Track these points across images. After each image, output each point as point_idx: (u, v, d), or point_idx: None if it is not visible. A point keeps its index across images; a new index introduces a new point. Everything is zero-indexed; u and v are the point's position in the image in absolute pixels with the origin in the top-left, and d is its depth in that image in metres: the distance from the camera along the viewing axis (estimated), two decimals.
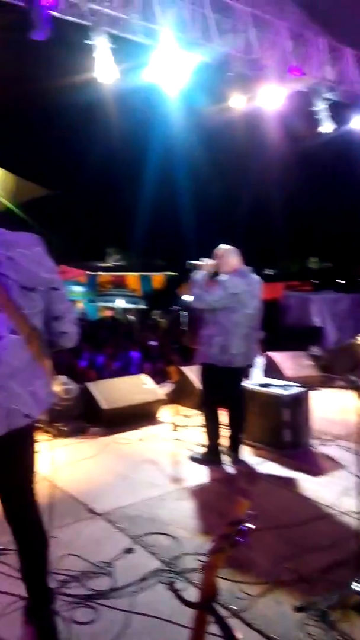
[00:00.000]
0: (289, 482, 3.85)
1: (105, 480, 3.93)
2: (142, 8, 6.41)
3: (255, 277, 4.22)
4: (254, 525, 2.97)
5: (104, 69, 6.15)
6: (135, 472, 4.07)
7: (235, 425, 4.22)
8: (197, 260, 4.49)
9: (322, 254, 27.46)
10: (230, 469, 4.11)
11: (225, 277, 4.04)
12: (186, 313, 4.44)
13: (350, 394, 6.46)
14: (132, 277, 25.59)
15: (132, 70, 6.44)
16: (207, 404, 4.22)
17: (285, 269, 24.96)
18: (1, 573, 2.69)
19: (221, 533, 1.49)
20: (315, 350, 7.52)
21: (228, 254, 4.18)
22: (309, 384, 6.47)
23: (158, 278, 25.90)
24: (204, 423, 4.22)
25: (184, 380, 5.85)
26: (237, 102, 7.40)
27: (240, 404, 4.25)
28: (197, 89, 6.85)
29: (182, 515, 3.35)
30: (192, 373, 5.77)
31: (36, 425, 2.10)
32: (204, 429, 4.23)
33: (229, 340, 3.99)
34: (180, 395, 5.81)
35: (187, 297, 4.26)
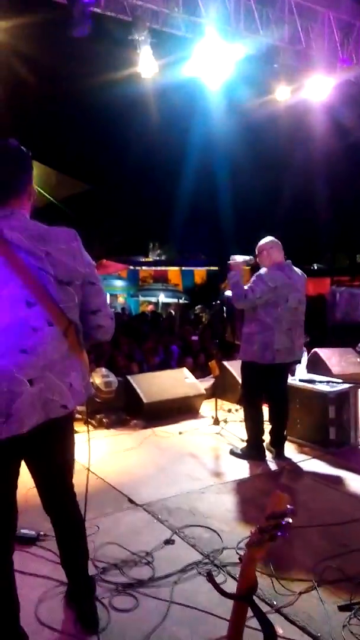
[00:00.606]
0: (334, 481, 3.75)
1: (146, 472, 3.94)
2: (184, 1, 6.39)
3: (298, 270, 4.14)
4: (298, 520, 2.92)
5: (145, 63, 6.16)
6: (175, 465, 4.07)
7: (279, 421, 4.15)
8: (240, 254, 4.46)
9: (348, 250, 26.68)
10: (272, 465, 4.05)
11: (263, 271, 3.98)
12: (227, 308, 4.40)
13: None
14: (174, 272, 25.59)
15: (174, 64, 6.43)
16: (249, 400, 4.17)
17: (333, 264, 24.41)
18: (43, 558, 2.74)
19: (261, 526, 1.45)
20: None
21: (269, 247, 4.11)
22: (357, 380, 6.32)
23: (200, 273, 25.81)
24: (246, 418, 4.17)
25: (225, 375, 5.81)
26: (282, 94, 7.27)
27: (283, 400, 4.17)
28: (240, 82, 6.77)
29: (222, 509, 3.32)
30: (233, 367, 5.73)
31: (74, 416, 2.11)
32: (245, 424, 4.18)
33: (271, 336, 3.92)
34: (222, 389, 5.77)
35: (228, 292, 4.22)
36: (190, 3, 6.40)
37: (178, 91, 6.51)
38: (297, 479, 3.80)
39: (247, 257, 4.37)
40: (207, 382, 6.08)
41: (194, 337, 10.98)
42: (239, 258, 4.28)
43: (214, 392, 5.83)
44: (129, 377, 5.34)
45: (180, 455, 4.27)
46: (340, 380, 4.60)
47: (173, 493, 3.54)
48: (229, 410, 5.50)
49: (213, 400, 5.63)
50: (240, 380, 5.72)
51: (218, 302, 4.29)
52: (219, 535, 2.98)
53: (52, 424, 1.90)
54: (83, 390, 2.00)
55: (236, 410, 5.57)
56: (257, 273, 4.01)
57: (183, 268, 25.57)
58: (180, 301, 21.27)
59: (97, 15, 5.97)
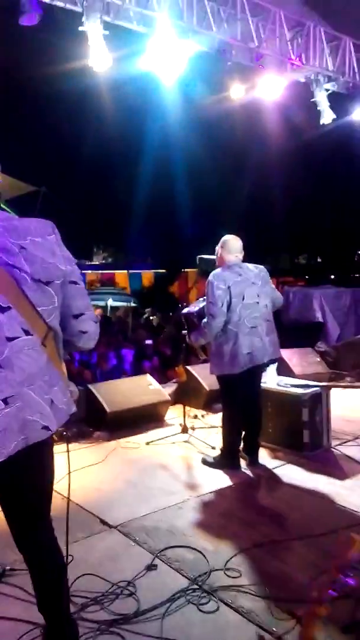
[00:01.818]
0: (313, 487, 3.61)
1: (115, 488, 3.68)
2: None
3: (251, 265, 3.94)
4: (285, 533, 2.73)
5: (97, 56, 5.88)
6: (147, 479, 3.82)
7: (253, 427, 3.99)
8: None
9: (312, 249, 27.36)
10: (247, 473, 3.87)
11: (210, 277, 3.80)
12: (189, 327, 4.25)
13: None
14: (121, 275, 25.27)
15: (126, 58, 6.19)
16: (230, 411, 3.95)
17: (276, 265, 24.80)
18: (11, 596, 2.43)
19: (328, 578, 1.24)
20: (322, 346, 7.32)
21: (220, 248, 3.95)
22: (319, 380, 6.29)
23: (147, 275, 25.64)
24: (224, 427, 3.97)
25: (189, 379, 5.60)
26: (236, 92, 7.18)
27: (257, 405, 4.02)
28: (195, 78, 6.61)
29: (203, 525, 3.11)
30: (197, 371, 5.55)
31: (54, 438, 1.84)
32: (222, 431, 3.98)
33: (237, 342, 3.72)
34: (185, 394, 5.57)
35: (188, 309, 4.09)
36: None
37: (131, 85, 6.28)
38: (275, 488, 3.65)
39: (214, 256, 4.20)
40: (169, 388, 5.87)
41: (148, 341, 10.75)
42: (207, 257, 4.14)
43: (178, 398, 5.63)
44: (90, 386, 5.04)
45: (151, 468, 4.03)
46: (312, 382, 4.50)
47: (148, 510, 3.30)
48: (195, 417, 5.30)
49: (177, 407, 5.44)
50: (206, 385, 5.58)
51: (180, 314, 4.16)
52: (203, 555, 2.76)
53: (31, 450, 1.63)
54: (65, 406, 1.74)
55: (202, 415, 5.39)
56: (207, 282, 3.83)
57: (130, 271, 25.30)
58: (130, 304, 20.97)
59: (46, 6, 5.66)
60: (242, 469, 3.93)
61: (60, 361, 1.79)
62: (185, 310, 4.16)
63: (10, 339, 1.56)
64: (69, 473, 1.98)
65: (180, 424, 4.80)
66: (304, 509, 3.29)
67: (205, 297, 4.30)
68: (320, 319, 9.33)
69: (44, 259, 1.65)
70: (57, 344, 1.76)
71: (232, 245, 3.90)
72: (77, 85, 6.17)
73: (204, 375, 5.54)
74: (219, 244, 3.96)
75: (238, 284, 3.76)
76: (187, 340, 4.20)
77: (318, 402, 4.20)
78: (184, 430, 4.72)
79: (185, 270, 21.26)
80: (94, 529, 3.08)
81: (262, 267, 4.00)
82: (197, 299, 4.47)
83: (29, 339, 1.61)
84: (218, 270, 3.84)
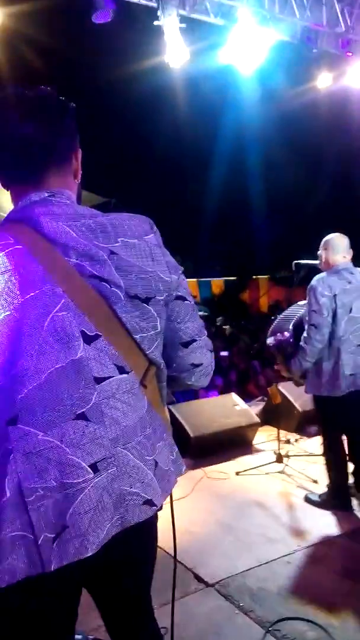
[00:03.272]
0: None
1: (208, 531, 3.19)
2: None
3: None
4: None
5: (174, 51, 5.52)
6: (243, 520, 3.31)
7: None
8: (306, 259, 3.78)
9: None
10: None
11: (313, 281, 3.24)
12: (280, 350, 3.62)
13: None
14: (190, 284, 24.98)
15: (203, 52, 5.79)
16: (329, 438, 3.40)
17: None
18: None
19: None
20: None
21: (327, 248, 3.38)
22: None
23: (217, 283, 25.14)
24: (326, 459, 3.41)
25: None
26: (323, 81, 6.59)
27: None
28: (277, 69, 6.10)
29: (321, 588, 2.56)
30: (287, 389, 4.98)
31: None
32: (326, 466, 3.41)
33: (339, 360, 3.17)
34: (275, 415, 5.01)
35: (277, 338, 3.48)
36: None
37: (208, 82, 5.87)
38: None
39: (315, 262, 3.67)
40: (255, 408, 5.34)
41: (223, 353, 10.25)
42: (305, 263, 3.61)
43: (266, 419, 5.09)
44: (171, 408, 4.60)
45: (246, 506, 3.51)
46: None
47: (250, 564, 2.78)
48: (287, 441, 4.73)
49: (264, 429, 4.91)
50: (299, 406, 5.00)
51: (271, 347, 3.50)
52: (328, 634, 2.21)
53: (129, 533, 1.17)
54: (172, 468, 1.27)
55: (296, 440, 4.81)
56: (308, 286, 3.27)
57: (199, 279, 24.93)
58: (200, 314, 20.58)
59: (120, 1, 5.38)
60: (355, 511, 3.34)
61: (163, 406, 1.33)
62: (272, 340, 3.52)
63: (99, 380, 1.12)
64: (173, 526, 1.56)
65: (275, 452, 4.24)
66: None
67: (293, 307, 3.77)
68: None
69: (141, 267, 1.20)
70: (160, 383, 1.30)
71: (338, 243, 3.35)
72: (151, 85, 5.84)
73: (297, 394, 4.98)
74: (322, 245, 3.42)
75: (346, 293, 3.20)
76: (283, 374, 3.57)
77: None
78: (279, 459, 4.17)
79: (256, 277, 20.59)
80: (189, 587, 2.60)
81: None
82: (278, 316, 3.86)
83: (125, 378, 1.16)
84: (323, 274, 3.29)
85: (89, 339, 1.13)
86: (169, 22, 5.53)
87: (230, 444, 4.53)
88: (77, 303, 1.12)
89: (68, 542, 1.07)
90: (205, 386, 1.47)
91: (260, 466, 4.14)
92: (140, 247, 1.22)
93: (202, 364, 1.36)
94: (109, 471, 1.12)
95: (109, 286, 1.16)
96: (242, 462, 4.31)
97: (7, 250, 1.14)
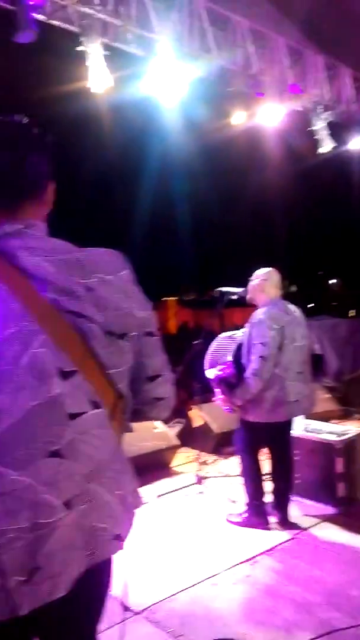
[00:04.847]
0: None
1: (131, 556, 3.15)
2: (137, 16, 5.94)
3: (291, 305, 3.63)
4: (346, 617, 2.26)
5: (96, 77, 5.57)
6: (165, 543, 3.32)
7: (284, 479, 3.54)
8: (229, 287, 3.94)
9: (292, 276, 27.34)
10: (280, 534, 3.40)
11: (261, 314, 3.41)
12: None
13: None
14: None
15: (127, 80, 5.90)
16: (249, 459, 3.52)
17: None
18: None
19: None
20: (329, 381, 6.96)
21: (268, 280, 3.57)
22: (329, 419, 5.90)
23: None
24: (245, 479, 3.52)
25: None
26: (237, 119, 6.97)
27: (289, 455, 3.59)
28: (197, 103, 6.36)
29: (246, 607, 2.63)
30: (204, 411, 5.09)
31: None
32: (243, 484, 3.52)
33: (283, 388, 3.33)
34: (190, 436, 5.11)
35: (211, 373, 3.57)
36: (144, 18, 5.93)
37: (132, 109, 5.97)
38: (317, 555, 3.17)
39: (237, 290, 3.84)
40: (172, 430, 5.39)
41: None
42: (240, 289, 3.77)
43: (184, 441, 5.16)
44: None
45: (168, 528, 3.53)
46: (346, 427, 4.09)
47: (176, 588, 2.80)
48: (205, 462, 4.81)
49: (182, 450, 4.98)
50: (216, 428, 5.12)
51: (214, 381, 3.56)
52: None
53: (95, 568, 1.15)
54: (134, 501, 1.27)
55: (213, 461, 4.91)
56: (252, 321, 3.43)
57: None
58: None
59: (42, 24, 5.37)
60: (273, 529, 3.47)
61: (123, 437, 1.33)
62: (214, 373, 3.58)
63: (74, 416, 1.11)
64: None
65: (194, 474, 4.30)
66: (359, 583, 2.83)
67: (224, 338, 3.89)
68: (319, 351, 9.01)
69: (117, 303, 1.21)
70: (124, 415, 1.29)
71: (276, 278, 3.56)
72: (75, 109, 5.84)
73: (214, 416, 5.10)
74: (260, 276, 3.58)
75: (289, 325, 3.41)
76: (223, 404, 3.61)
77: (354, 450, 3.79)
78: (199, 481, 4.23)
79: (165, 298, 20.86)
80: (116, 616, 2.55)
81: (297, 308, 3.65)
82: (200, 341, 3.96)
83: (98, 413, 1.15)
84: (268, 307, 3.44)
85: (65, 375, 1.12)
86: (91, 48, 5.59)
87: (150, 467, 4.52)
88: (54, 339, 1.11)
89: (40, 584, 1.05)
90: (165, 418, 1.49)
91: (180, 489, 4.18)
92: (116, 283, 1.23)
93: (165, 397, 1.38)
94: (81, 507, 1.11)
95: (86, 322, 1.15)
96: (162, 485, 4.32)
97: None
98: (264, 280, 3.58)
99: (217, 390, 3.53)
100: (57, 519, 1.06)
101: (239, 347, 3.50)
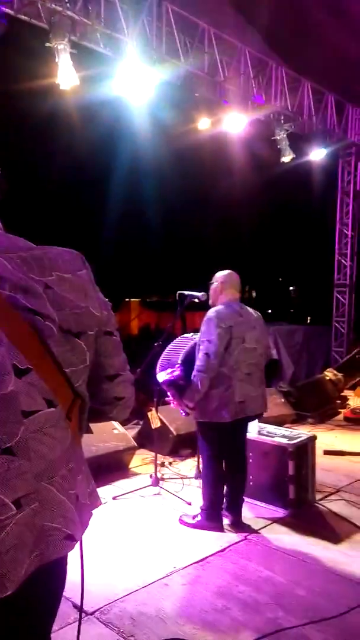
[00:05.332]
0: (309, 553, 3.27)
1: (83, 556, 3.16)
2: (106, 16, 5.94)
3: (249, 308, 3.71)
4: (293, 614, 2.35)
5: (64, 74, 5.54)
6: (120, 545, 3.34)
7: (237, 482, 3.62)
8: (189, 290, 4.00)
9: (252, 282, 27.65)
10: (232, 535, 3.48)
11: (211, 312, 3.48)
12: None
13: (328, 434, 6.09)
14: None
15: (94, 79, 5.88)
16: (211, 464, 3.55)
17: None
18: None
19: None
20: (284, 386, 7.12)
21: (225, 282, 3.65)
22: (283, 422, 6.05)
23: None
24: (204, 479, 3.58)
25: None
26: (203, 124, 7.07)
27: (243, 457, 3.67)
28: (165, 106, 6.40)
29: (197, 607, 2.68)
30: (163, 412, 5.13)
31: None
32: (203, 486, 3.58)
33: (229, 388, 3.39)
34: (148, 438, 5.13)
35: (171, 375, 3.59)
36: (112, 19, 5.94)
37: (101, 108, 5.97)
38: (267, 555, 3.26)
39: (198, 294, 3.91)
40: (130, 431, 5.41)
41: None
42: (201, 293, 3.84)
43: (141, 443, 5.19)
44: None
45: (123, 530, 3.55)
46: (299, 431, 4.21)
47: (128, 588, 2.83)
48: (162, 464, 4.87)
49: (141, 452, 5.01)
50: (173, 430, 5.17)
51: (163, 384, 3.58)
52: None
53: (46, 568, 1.16)
54: (89, 502, 1.28)
55: (170, 463, 4.97)
56: (205, 318, 3.50)
57: None
58: None
59: (10, 19, 5.31)
60: (226, 530, 3.54)
61: (81, 437, 1.35)
62: (163, 376, 3.61)
63: (27, 414, 1.11)
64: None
65: (151, 475, 4.34)
66: (306, 582, 2.94)
67: (179, 339, 3.95)
68: (275, 356, 9.21)
69: (75, 302, 1.22)
70: (82, 415, 1.30)
71: (235, 280, 3.62)
72: (43, 106, 5.80)
73: (171, 418, 5.16)
74: (218, 278, 3.65)
75: (240, 325, 3.46)
76: (177, 406, 3.64)
77: (304, 454, 3.91)
78: (155, 482, 4.28)
79: (128, 299, 20.78)
80: (67, 617, 2.56)
81: (258, 312, 3.72)
82: (160, 342, 4.01)
83: (53, 412, 1.16)
84: (219, 307, 3.51)
85: (20, 373, 1.12)
86: (59, 45, 5.55)
87: (108, 468, 4.54)
88: (9, 336, 1.11)
89: None
90: (124, 418, 1.51)
91: (136, 490, 4.21)
92: (74, 282, 1.24)
93: (124, 397, 1.40)
94: (32, 507, 1.10)
95: (42, 320, 1.16)
96: (118, 486, 4.34)
97: None
98: (222, 283, 3.64)
99: (169, 394, 3.57)
100: (7, 517, 1.06)
101: (193, 348, 3.55)
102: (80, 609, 2.00)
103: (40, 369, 1.15)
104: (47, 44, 5.47)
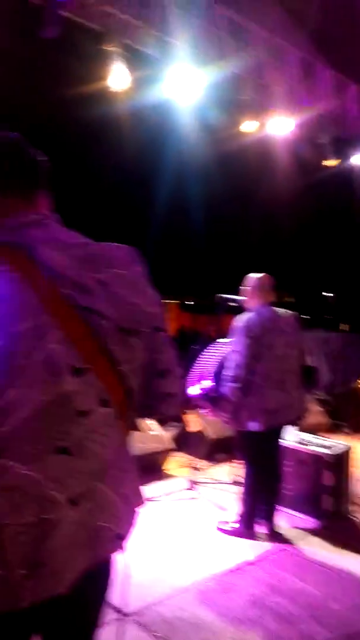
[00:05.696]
0: (344, 568, 3.25)
1: (120, 558, 3.22)
2: (158, 19, 5.99)
3: (282, 310, 3.65)
4: (330, 629, 2.33)
5: (116, 76, 5.64)
6: (155, 547, 3.39)
7: (272, 491, 3.61)
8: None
9: (290, 287, 27.27)
10: (267, 545, 3.48)
11: (240, 322, 3.47)
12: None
13: None
14: None
15: (145, 82, 5.95)
16: (253, 472, 3.55)
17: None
18: None
19: None
20: (321, 394, 7.06)
21: (258, 286, 3.62)
22: (318, 430, 6.00)
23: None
24: (246, 486, 3.57)
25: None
26: (248, 127, 7.04)
27: (278, 465, 3.66)
28: (210, 108, 6.42)
29: (231, 615, 2.70)
30: (200, 417, 5.16)
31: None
32: (244, 494, 3.57)
33: (262, 396, 3.37)
34: (186, 441, 5.18)
35: (203, 388, 3.61)
36: (164, 21, 5.99)
37: (150, 110, 6.05)
38: (302, 567, 3.26)
39: (237, 297, 3.92)
40: (168, 433, 5.47)
41: None
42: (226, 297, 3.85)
43: (178, 445, 5.23)
44: None
45: (158, 533, 3.60)
46: (336, 441, 4.18)
47: (164, 592, 2.87)
48: (196, 468, 4.89)
49: (174, 454, 5.05)
50: (208, 432, 5.20)
51: (199, 397, 3.60)
52: None
53: (97, 568, 1.18)
54: (136, 500, 1.30)
55: (205, 468, 4.99)
56: (235, 326, 3.47)
57: None
58: None
59: (65, 21, 5.41)
60: (259, 539, 3.55)
61: (130, 435, 1.34)
62: (196, 390, 3.61)
63: (83, 414, 1.13)
64: None
65: (189, 479, 4.37)
66: (340, 596, 2.92)
67: (215, 346, 3.97)
68: (311, 364, 9.11)
69: (129, 299, 1.21)
70: (132, 412, 1.29)
71: (267, 284, 3.61)
72: (94, 109, 5.91)
73: (208, 422, 5.17)
74: (251, 282, 3.64)
75: (269, 333, 3.44)
76: (214, 417, 3.65)
77: (341, 464, 3.88)
78: (191, 486, 4.31)
79: (166, 302, 20.82)
80: (105, 617, 2.62)
81: (292, 312, 3.68)
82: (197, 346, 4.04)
83: (107, 411, 1.17)
84: (249, 314, 3.50)
85: (77, 372, 1.11)
86: (112, 48, 5.64)
87: (142, 469, 4.57)
88: (68, 335, 1.12)
89: (42, 579, 1.06)
90: (173, 415, 1.53)
91: (172, 493, 4.25)
92: (128, 278, 1.23)
93: (174, 393, 1.37)
94: (86, 505, 1.12)
95: (98, 318, 1.15)
96: (155, 488, 4.39)
97: (1, 278, 1.12)
98: (254, 287, 3.62)
99: (203, 406, 3.59)
100: (62, 516, 1.08)
101: (226, 356, 3.56)
102: (119, 610, 2.05)
103: (96, 368, 1.15)
104: (99, 47, 5.56)
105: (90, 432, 1.14)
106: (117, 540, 1.20)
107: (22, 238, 1.16)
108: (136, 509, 1.30)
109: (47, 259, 1.14)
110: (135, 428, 1.40)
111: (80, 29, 5.40)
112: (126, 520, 1.24)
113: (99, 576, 1.25)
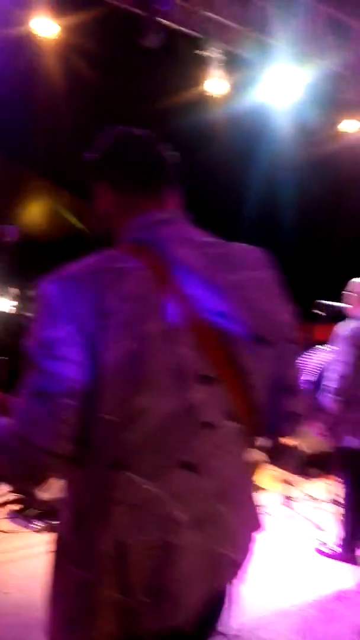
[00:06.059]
0: None
1: None
2: (256, 21, 5.89)
3: None
4: None
5: (215, 82, 5.61)
6: (252, 565, 3.26)
7: None
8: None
9: None
10: None
11: (347, 330, 3.24)
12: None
13: None
14: None
15: (242, 86, 5.88)
16: (347, 484, 3.37)
17: None
18: None
19: None
20: None
21: (357, 291, 3.39)
22: None
23: None
24: (347, 508, 3.36)
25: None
26: (349, 126, 6.74)
27: None
28: (308, 108, 6.22)
29: None
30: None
31: None
32: (345, 516, 3.37)
33: None
34: (278, 454, 4.99)
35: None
36: (263, 23, 5.88)
37: (246, 115, 5.99)
38: None
39: (341, 304, 3.71)
40: (260, 444, 5.32)
41: None
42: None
43: (269, 458, 5.07)
44: None
45: (254, 550, 3.47)
46: None
47: (262, 613, 2.75)
48: (290, 483, 4.70)
49: (267, 468, 4.88)
50: (302, 446, 4.98)
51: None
52: None
53: (212, 598, 1.10)
54: (254, 524, 1.20)
55: (298, 482, 4.78)
56: (340, 335, 3.26)
57: None
58: None
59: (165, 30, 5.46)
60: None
61: (249, 455, 1.24)
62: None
63: (209, 427, 1.04)
64: None
65: (283, 494, 4.21)
66: None
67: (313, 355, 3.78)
68: None
69: (263, 305, 1.11)
70: (256, 430, 1.19)
71: None
72: (191, 116, 5.95)
73: (303, 433, 4.96)
74: (354, 288, 3.42)
75: None
76: (313, 429, 3.50)
77: None
78: (285, 501, 4.15)
79: None
80: None
81: None
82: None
83: (233, 427, 1.08)
84: (355, 322, 3.29)
85: (205, 382, 1.03)
86: (210, 52, 5.61)
87: None
88: (198, 341, 1.04)
89: (162, 607, 1.00)
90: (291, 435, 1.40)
91: (265, 508, 4.11)
92: (263, 282, 1.15)
93: (300, 413, 1.26)
94: (210, 530, 1.04)
95: (231, 324, 1.06)
96: None
97: (134, 276, 1.03)
98: (358, 294, 3.40)
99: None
100: (184, 539, 1.00)
101: (326, 365, 3.37)
102: (222, 633, 1.96)
103: (225, 378, 1.06)
104: (197, 52, 5.55)
105: (216, 448, 1.06)
106: (234, 568, 1.12)
107: (153, 236, 1.10)
108: (253, 534, 1.21)
109: (180, 259, 1.06)
110: (253, 446, 1.31)
111: (179, 35, 5.43)
112: (244, 547, 1.15)
113: (214, 605, 1.16)
